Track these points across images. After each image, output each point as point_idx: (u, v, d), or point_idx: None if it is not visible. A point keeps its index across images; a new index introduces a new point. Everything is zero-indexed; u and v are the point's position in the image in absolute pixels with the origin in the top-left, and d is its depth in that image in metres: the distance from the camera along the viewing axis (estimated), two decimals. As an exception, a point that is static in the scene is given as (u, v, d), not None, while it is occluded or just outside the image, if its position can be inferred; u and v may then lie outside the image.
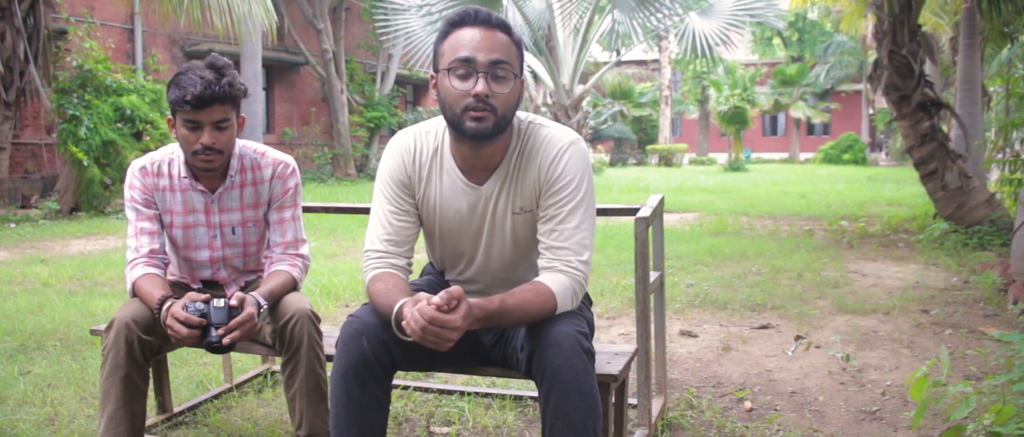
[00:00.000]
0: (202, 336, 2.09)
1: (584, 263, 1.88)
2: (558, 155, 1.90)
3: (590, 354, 1.79)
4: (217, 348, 2.09)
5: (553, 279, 1.84)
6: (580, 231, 1.88)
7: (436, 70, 1.87)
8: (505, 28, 1.86)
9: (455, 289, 1.66)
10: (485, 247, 2.01)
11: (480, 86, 1.79)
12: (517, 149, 1.93)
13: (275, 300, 2.26)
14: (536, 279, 1.86)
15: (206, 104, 2.16)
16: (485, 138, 1.84)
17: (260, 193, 2.40)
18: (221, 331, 2.08)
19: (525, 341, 1.83)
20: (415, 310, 1.66)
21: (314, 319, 2.21)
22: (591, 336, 1.90)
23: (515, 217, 1.96)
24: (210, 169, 2.28)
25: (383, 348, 1.81)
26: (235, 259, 2.45)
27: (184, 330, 2.07)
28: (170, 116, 2.27)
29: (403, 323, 1.70)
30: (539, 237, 1.92)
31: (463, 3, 9.76)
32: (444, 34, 1.86)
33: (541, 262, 1.90)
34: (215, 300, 2.12)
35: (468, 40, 1.81)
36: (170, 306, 2.11)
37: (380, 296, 1.85)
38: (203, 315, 2.09)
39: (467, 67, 1.80)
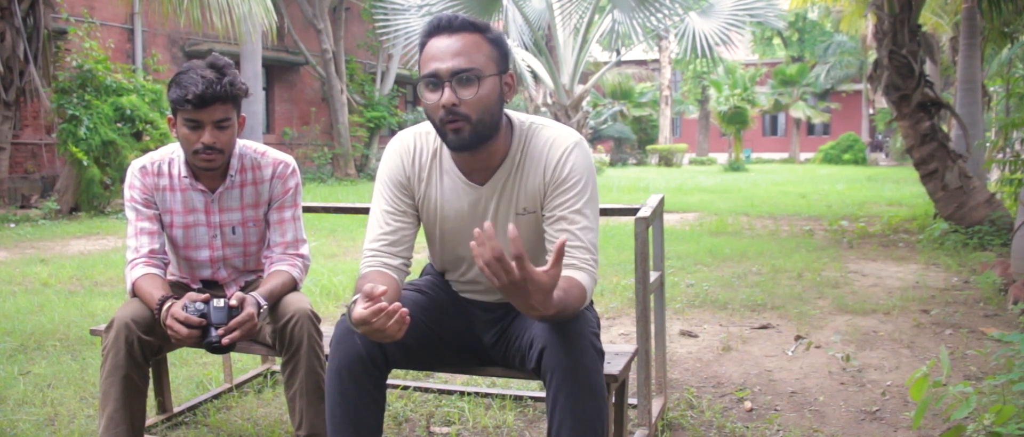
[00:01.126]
0: (202, 336, 2.10)
1: (596, 261, 1.89)
2: (564, 155, 1.90)
3: (600, 353, 1.80)
4: (217, 348, 2.09)
5: (580, 276, 1.83)
6: (589, 231, 1.89)
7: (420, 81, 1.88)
8: (472, 28, 1.82)
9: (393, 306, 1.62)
10: None
11: (445, 96, 1.78)
12: (519, 150, 1.93)
13: (275, 300, 2.26)
14: (565, 275, 1.81)
15: (207, 103, 2.16)
16: (466, 147, 1.83)
17: (260, 193, 2.40)
18: (221, 331, 2.08)
19: (536, 338, 1.83)
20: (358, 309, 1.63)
21: (314, 319, 2.21)
22: (599, 335, 1.90)
23: (518, 218, 1.96)
24: (211, 168, 2.28)
25: (376, 346, 1.81)
26: (235, 259, 2.45)
27: (184, 330, 2.07)
28: (171, 116, 2.27)
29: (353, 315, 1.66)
30: (550, 237, 1.91)
31: (463, 4, 9.76)
32: (421, 46, 1.86)
33: None
34: (215, 300, 2.12)
35: (435, 51, 1.80)
36: (170, 306, 2.11)
37: (355, 293, 1.85)
38: (203, 315, 2.09)
39: (434, 79, 1.80)
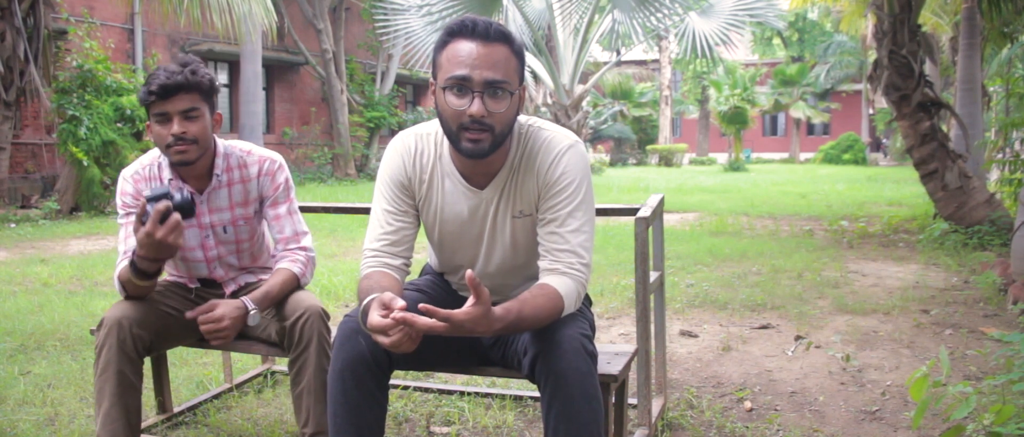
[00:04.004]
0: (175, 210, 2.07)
1: (586, 265, 1.87)
2: (557, 157, 1.90)
3: (593, 356, 1.79)
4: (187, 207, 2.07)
5: (558, 282, 1.83)
6: (581, 233, 1.88)
7: (434, 79, 1.84)
8: (505, 39, 1.80)
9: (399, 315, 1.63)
10: (486, 251, 2.01)
11: (475, 107, 1.75)
12: (518, 153, 1.92)
13: (272, 301, 2.27)
14: (542, 282, 1.84)
15: (171, 93, 2.20)
16: (481, 157, 1.83)
17: (249, 190, 2.41)
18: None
19: (529, 344, 1.83)
20: (374, 316, 1.66)
21: (324, 317, 2.23)
22: (593, 337, 1.90)
23: (515, 221, 1.96)
24: (186, 162, 2.27)
25: (380, 347, 1.81)
26: (229, 256, 2.46)
27: (161, 224, 2.03)
28: (148, 121, 2.28)
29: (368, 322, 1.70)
30: (540, 240, 1.91)
31: (464, 4, 9.75)
32: (442, 44, 1.82)
33: (543, 264, 1.89)
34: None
35: (465, 55, 1.76)
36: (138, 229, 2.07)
37: (361, 293, 1.86)
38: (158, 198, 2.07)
39: (463, 84, 1.76)
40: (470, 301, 1.61)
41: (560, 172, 1.89)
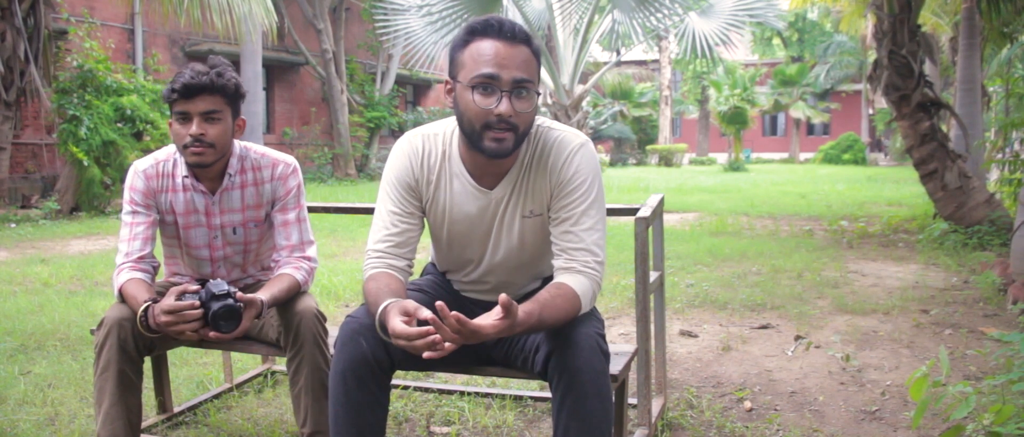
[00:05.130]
0: (204, 318, 2.09)
1: (600, 263, 1.88)
2: (569, 157, 1.90)
3: (607, 356, 1.80)
4: (225, 316, 2.08)
5: (575, 281, 1.83)
6: (594, 232, 1.88)
7: (453, 78, 1.83)
8: (527, 40, 1.81)
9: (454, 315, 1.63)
10: (492, 249, 2.01)
11: (503, 107, 1.76)
12: (528, 153, 1.92)
13: (278, 304, 2.27)
14: (559, 281, 1.84)
15: (194, 93, 2.20)
16: (504, 156, 1.83)
17: (262, 193, 2.41)
18: (238, 295, 2.11)
19: (543, 342, 1.83)
20: (396, 322, 1.66)
21: (320, 317, 2.23)
22: (605, 336, 1.91)
23: (524, 220, 1.96)
24: (202, 164, 2.27)
25: (382, 348, 1.81)
26: (235, 256, 2.47)
27: (180, 319, 2.07)
28: (170, 118, 2.28)
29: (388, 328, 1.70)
30: (554, 239, 1.91)
31: (464, 5, 9.75)
32: (464, 42, 1.81)
33: (558, 263, 1.89)
34: (210, 282, 2.14)
35: (491, 54, 1.76)
36: (150, 308, 2.12)
37: (370, 295, 1.85)
38: (200, 298, 2.10)
39: (490, 83, 1.76)
40: (498, 313, 1.61)
41: (573, 171, 1.89)
